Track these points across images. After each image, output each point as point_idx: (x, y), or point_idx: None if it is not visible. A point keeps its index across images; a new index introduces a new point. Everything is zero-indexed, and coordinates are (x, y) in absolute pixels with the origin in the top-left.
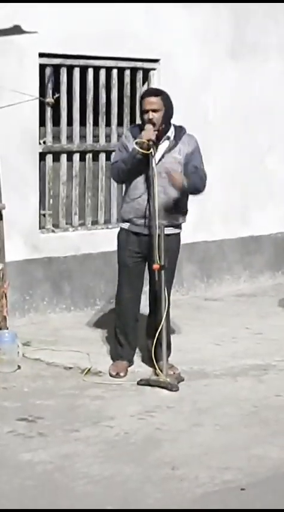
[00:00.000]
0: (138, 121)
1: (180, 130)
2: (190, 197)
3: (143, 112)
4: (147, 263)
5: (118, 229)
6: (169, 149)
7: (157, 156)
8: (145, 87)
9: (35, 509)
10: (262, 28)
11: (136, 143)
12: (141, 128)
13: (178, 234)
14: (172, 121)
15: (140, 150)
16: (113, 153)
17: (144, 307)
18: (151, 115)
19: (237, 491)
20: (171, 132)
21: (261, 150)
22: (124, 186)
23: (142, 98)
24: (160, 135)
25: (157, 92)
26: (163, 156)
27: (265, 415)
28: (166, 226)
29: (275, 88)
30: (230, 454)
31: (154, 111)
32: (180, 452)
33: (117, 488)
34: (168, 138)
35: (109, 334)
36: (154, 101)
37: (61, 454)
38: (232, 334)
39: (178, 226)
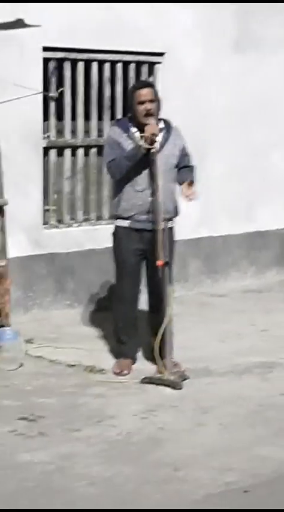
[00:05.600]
0: None
1: (168, 123)
2: None
3: (138, 103)
4: (146, 259)
5: (114, 227)
6: (165, 141)
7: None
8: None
9: (32, 509)
10: (267, 21)
11: (142, 138)
12: (139, 121)
13: (173, 227)
14: (176, 115)
15: (145, 145)
16: None
17: (141, 304)
18: (149, 105)
19: (240, 493)
20: (161, 125)
21: (266, 144)
22: (115, 182)
23: (135, 89)
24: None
25: (150, 84)
26: (160, 149)
27: (269, 415)
28: (168, 220)
29: (281, 82)
30: (233, 455)
31: (150, 101)
32: (182, 452)
33: (117, 489)
34: (162, 130)
35: (113, 331)
36: (149, 92)
37: (61, 454)
38: (237, 330)
39: (173, 220)
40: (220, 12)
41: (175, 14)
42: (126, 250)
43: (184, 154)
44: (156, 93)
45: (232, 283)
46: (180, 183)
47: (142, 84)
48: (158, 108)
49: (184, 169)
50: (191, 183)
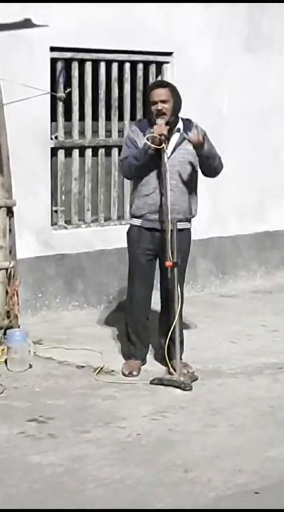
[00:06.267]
0: None
1: (188, 123)
2: (205, 192)
3: (151, 104)
4: (158, 260)
5: (128, 226)
6: (181, 141)
7: (169, 149)
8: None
9: (42, 509)
10: (277, 20)
11: (148, 138)
12: (152, 121)
13: (189, 228)
14: (181, 115)
15: (152, 145)
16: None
17: (155, 305)
18: (160, 106)
19: (251, 495)
20: (180, 125)
21: (277, 145)
22: (133, 182)
23: (151, 89)
24: (171, 128)
25: (165, 84)
26: (174, 149)
27: (281, 416)
28: (179, 221)
29: None
30: (244, 456)
31: (163, 102)
32: (193, 454)
33: (127, 491)
34: (178, 130)
35: (122, 332)
36: (162, 92)
37: (71, 456)
38: (247, 331)
39: (189, 221)
40: (230, 12)
41: (183, 13)
42: (137, 249)
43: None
44: (172, 93)
45: (241, 283)
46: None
47: (156, 85)
48: (175, 108)
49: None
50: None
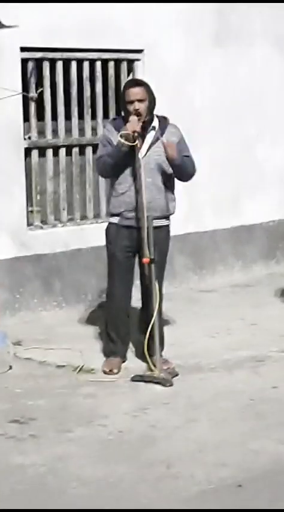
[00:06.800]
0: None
1: (164, 121)
2: (180, 188)
3: (127, 103)
4: (137, 257)
5: (107, 224)
6: (156, 139)
7: (145, 147)
8: (130, 78)
9: (26, 509)
10: (246, 14)
11: (121, 136)
12: (125, 119)
13: (168, 225)
14: (155, 112)
15: (125, 142)
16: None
17: (135, 302)
18: (137, 105)
19: (234, 488)
20: (155, 123)
21: (250, 138)
22: (110, 180)
23: (126, 88)
24: (146, 126)
25: (141, 82)
26: (150, 147)
27: (261, 408)
28: (156, 218)
29: (262, 74)
30: (226, 450)
31: (139, 101)
32: (175, 449)
33: (111, 489)
34: (154, 128)
35: (102, 330)
36: (138, 91)
37: (53, 456)
38: (226, 325)
39: (167, 218)
40: (199, 7)
41: (152, 10)
42: (116, 247)
43: (179, 150)
44: (147, 92)
45: (219, 278)
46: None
47: (132, 83)
48: (150, 107)
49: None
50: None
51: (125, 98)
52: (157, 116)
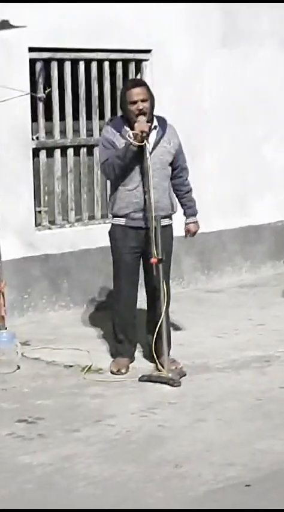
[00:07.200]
0: None
1: (163, 121)
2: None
3: (130, 103)
4: (142, 257)
5: (110, 226)
6: (159, 139)
7: (149, 147)
8: (129, 79)
9: (33, 509)
10: (254, 15)
11: (129, 135)
12: (131, 120)
13: (171, 225)
14: (162, 112)
15: (134, 142)
16: None
17: (140, 302)
18: (141, 105)
19: (241, 488)
20: (155, 122)
21: (257, 138)
22: (112, 182)
23: (128, 88)
24: (149, 126)
25: (142, 82)
26: (154, 147)
27: (269, 408)
28: (162, 218)
29: (270, 75)
30: (233, 450)
31: (143, 101)
32: (182, 449)
33: (118, 488)
34: (155, 127)
35: (109, 330)
36: (141, 91)
37: (61, 455)
38: (234, 326)
39: (171, 217)
40: (207, 7)
41: (160, 11)
42: (123, 248)
43: (179, 153)
44: (148, 92)
45: (227, 278)
46: (183, 209)
47: (134, 83)
48: (151, 106)
49: (186, 196)
50: (196, 223)
51: (127, 98)
52: (156, 116)
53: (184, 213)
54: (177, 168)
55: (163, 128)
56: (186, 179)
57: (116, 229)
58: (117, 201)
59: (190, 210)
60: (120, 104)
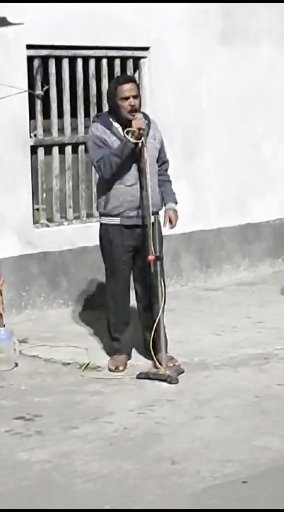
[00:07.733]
0: None
1: (147, 117)
2: (186, 186)
3: (122, 99)
4: (136, 255)
5: (101, 226)
6: (147, 135)
7: (146, 144)
8: (136, 76)
9: (32, 510)
10: (253, 13)
11: (127, 133)
12: (123, 116)
13: (159, 220)
14: (162, 110)
15: (131, 139)
16: None
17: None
18: (133, 101)
19: (239, 485)
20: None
21: (256, 137)
22: (103, 181)
23: (119, 84)
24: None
25: (132, 78)
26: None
27: (266, 405)
28: (154, 213)
29: (269, 73)
30: (231, 447)
31: (134, 97)
32: (180, 446)
33: (116, 485)
34: (148, 125)
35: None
36: (132, 87)
37: (59, 452)
38: (232, 323)
39: (158, 213)
40: (205, 6)
41: (159, 9)
42: (118, 247)
43: (162, 147)
44: (138, 88)
45: (226, 276)
46: (163, 197)
47: (125, 79)
48: (140, 103)
49: (166, 184)
50: (176, 212)
51: (118, 93)
52: (141, 112)
53: (164, 200)
54: (159, 161)
55: (148, 124)
56: (167, 170)
57: (110, 229)
58: (110, 199)
59: (170, 197)
60: (108, 100)
